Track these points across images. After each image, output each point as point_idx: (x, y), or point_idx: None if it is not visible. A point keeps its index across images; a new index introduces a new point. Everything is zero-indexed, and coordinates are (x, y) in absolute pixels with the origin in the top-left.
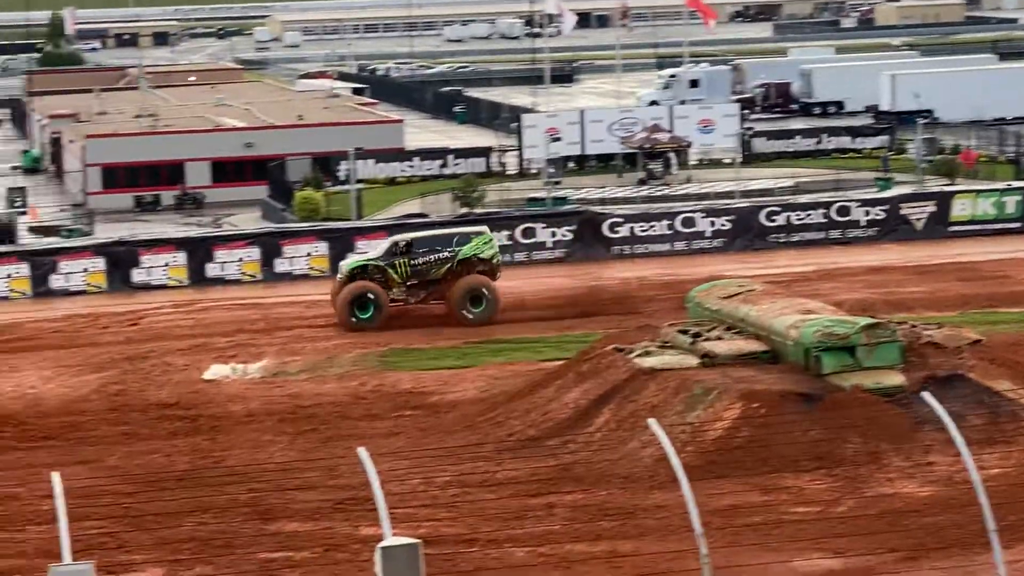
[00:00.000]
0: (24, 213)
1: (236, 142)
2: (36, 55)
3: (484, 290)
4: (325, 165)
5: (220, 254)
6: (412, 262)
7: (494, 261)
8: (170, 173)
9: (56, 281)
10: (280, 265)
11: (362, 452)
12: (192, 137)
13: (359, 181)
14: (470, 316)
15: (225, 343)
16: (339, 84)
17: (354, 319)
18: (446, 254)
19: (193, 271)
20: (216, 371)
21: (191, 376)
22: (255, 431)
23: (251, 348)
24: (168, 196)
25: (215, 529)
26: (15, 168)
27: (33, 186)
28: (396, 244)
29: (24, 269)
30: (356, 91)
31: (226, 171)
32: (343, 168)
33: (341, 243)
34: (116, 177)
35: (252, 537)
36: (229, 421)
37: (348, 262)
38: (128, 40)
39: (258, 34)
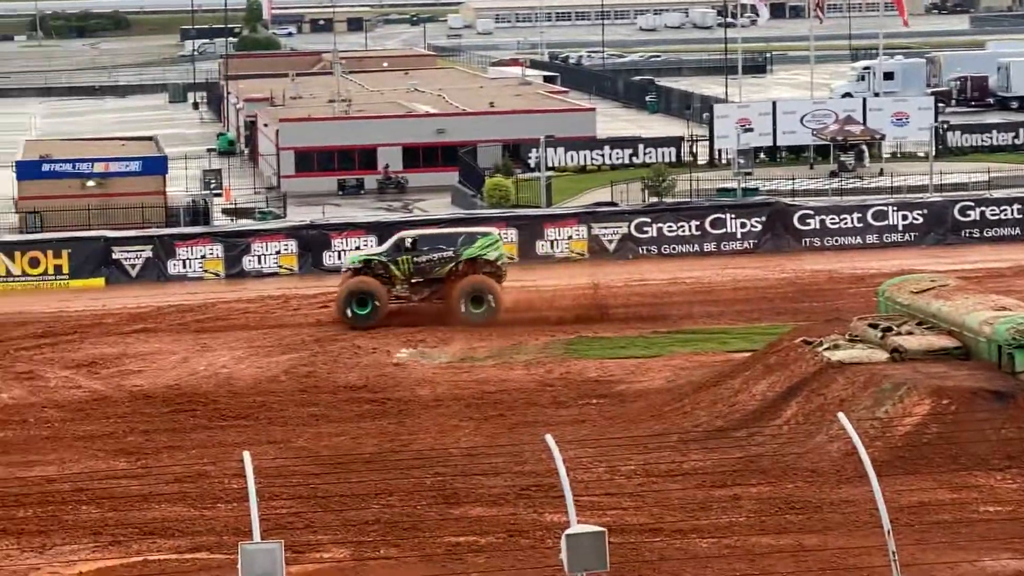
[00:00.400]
0: (219, 195)
1: (428, 128)
2: (233, 39)
3: (486, 291)
4: (516, 152)
5: None
6: (416, 259)
7: (499, 263)
8: (363, 158)
9: (249, 262)
10: None
11: (550, 439)
12: (384, 122)
13: (549, 168)
14: (468, 316)
15: (414, 327)
16: (531, 72)
17: (350, 315)
18: (450, 253)
19: None
20: (404, 355)
21: (380, 359)
22: (442, 415)
23: (439, 333)
24: (370, 180)
25: (401, 512)
26: (210, 150)
27: (228, 168)
28: (401, 241)
29: (218, 250)
30: (547, 79)
31: (418, 156)
32: (533, 155)
33: (530, 230)
34: (309, 161)
35: (437, 521)
36: (416, 405)
37: (352, 256)
38: (323, 25)
39: (451, 21)
